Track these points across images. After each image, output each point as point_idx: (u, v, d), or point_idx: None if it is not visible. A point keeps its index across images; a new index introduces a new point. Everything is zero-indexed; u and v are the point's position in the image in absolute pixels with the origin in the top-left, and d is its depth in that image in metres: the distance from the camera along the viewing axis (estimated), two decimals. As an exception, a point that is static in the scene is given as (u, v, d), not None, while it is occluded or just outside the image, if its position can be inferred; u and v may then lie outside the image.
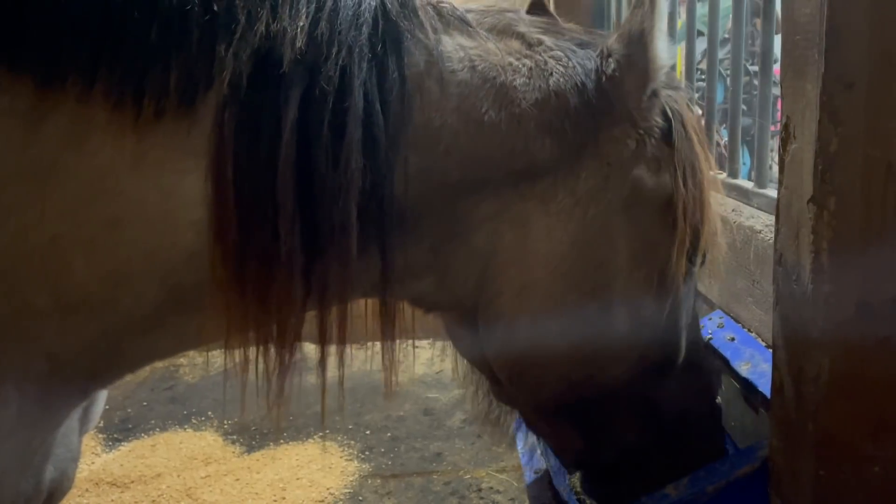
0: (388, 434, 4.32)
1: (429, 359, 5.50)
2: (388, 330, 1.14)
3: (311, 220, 0.99)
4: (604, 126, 1.17)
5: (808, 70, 1.03)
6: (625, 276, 1.22)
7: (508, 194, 1.15)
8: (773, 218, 1.64)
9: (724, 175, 2.13)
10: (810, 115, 1.03)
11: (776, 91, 2.02)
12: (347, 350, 1.12)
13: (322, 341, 1.09)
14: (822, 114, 1.00)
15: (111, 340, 1.07)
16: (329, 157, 0.97)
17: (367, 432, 4.34)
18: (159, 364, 5.58)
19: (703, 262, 1.37)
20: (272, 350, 1.06)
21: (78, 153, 0.94)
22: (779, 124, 1.15)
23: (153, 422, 4.55)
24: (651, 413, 1.35)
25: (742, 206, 1.91)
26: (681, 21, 2.81)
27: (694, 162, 1.25)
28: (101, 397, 1.41)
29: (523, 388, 1.30)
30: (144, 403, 4.84)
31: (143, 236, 0.98)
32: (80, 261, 0.98)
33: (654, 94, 1.20)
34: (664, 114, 1.23)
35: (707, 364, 1.46)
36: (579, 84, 1.17)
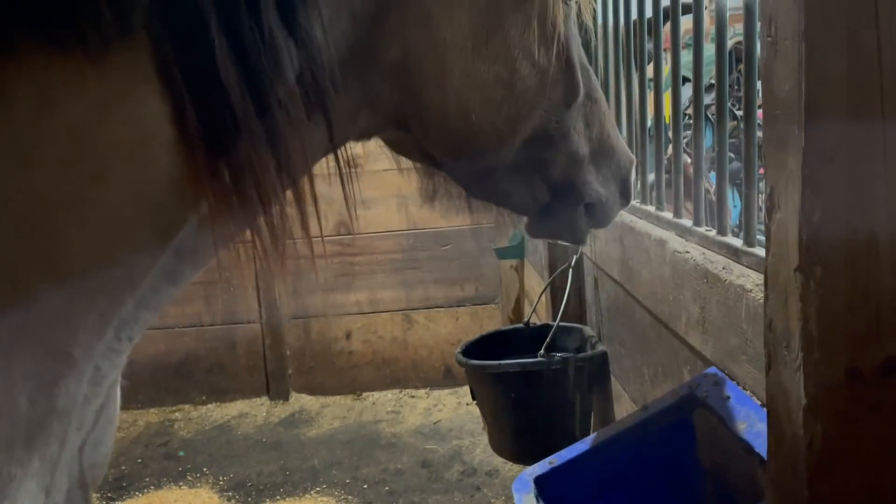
0: (386, 488, 4.28)
1: (426, 409, 5.48)
2: (346, 173, 1.29)
3: (256, 93, 1.03)
4: None
5: (790, 143, 1.06)
6: (515, 33, 1.35)
7: None
8: (762, 277, 1.66)
9: (713, 232, 2.16)
10: (793, 187, 1.05)
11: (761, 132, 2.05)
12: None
13: (301, 210, 1.17)
14: (805, 187, 1.03)
15: (115, 304, 1.09)
16: (252, 26, 1.01)
17: (365, 486, 4.30)
18: (154, 419, 5.54)
19: (578, 7, 1.57)
20: (264, 230, 1.12)
21: (50, 116, 0.94)
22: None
23: (147, 479, 4.50)
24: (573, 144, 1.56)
25: (732, 263, 1.93)
26: (667, 68, 2.92)
27: None
28: (112, 423, 1.37)
29: (466, 157, 1.44)
30: (139, 460, 4.79)
31: (126, 177, 0.99)
32: (73, 228, 0.98)
33: None
34: None
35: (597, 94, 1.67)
36: None
